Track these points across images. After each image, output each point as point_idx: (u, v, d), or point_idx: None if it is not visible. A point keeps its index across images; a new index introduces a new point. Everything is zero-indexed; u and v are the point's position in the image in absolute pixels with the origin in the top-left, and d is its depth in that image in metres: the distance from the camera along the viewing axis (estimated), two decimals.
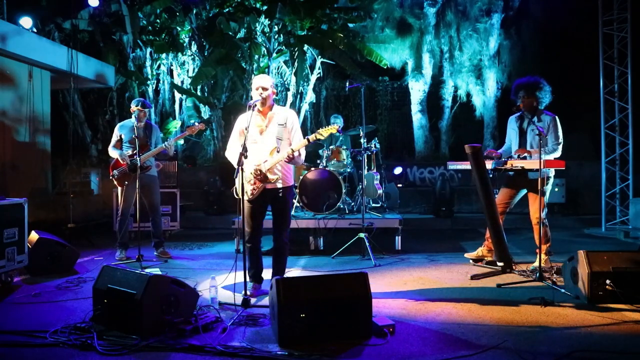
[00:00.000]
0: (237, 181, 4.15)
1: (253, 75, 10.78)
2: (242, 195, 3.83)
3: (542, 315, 3.64)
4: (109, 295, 3.36)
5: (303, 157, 4.14)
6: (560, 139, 4.99)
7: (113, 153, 5.73)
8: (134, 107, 5.72)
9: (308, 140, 3.96)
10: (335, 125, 4.07)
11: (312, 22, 10.97)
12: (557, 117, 5.04)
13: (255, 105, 4.00)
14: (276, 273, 4.15)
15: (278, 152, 4.03)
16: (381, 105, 13.85)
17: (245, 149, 3.79)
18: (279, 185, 4.09)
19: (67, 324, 3.37)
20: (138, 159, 5.45)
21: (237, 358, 2.89)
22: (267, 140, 4.07)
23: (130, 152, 5.60)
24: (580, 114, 10.81)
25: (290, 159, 3.95)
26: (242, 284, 3.85)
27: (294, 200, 6.85)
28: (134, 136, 5.49)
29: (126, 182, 5.60)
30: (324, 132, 3.96)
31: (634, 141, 8.12)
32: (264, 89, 4.02)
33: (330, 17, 11.18)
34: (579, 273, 3.98)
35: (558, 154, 4.98)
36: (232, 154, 4.18)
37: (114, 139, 5.78)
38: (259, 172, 4.01)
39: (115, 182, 5.71)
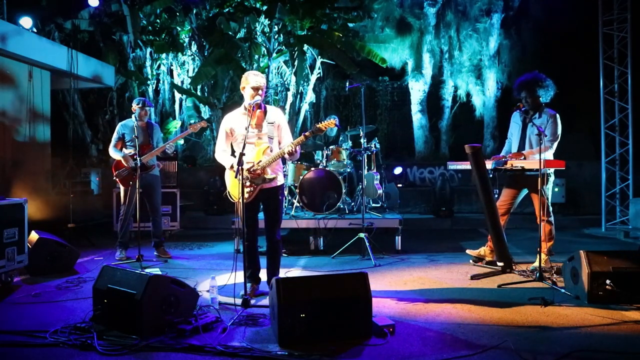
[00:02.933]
0: (228, 182, 4.16)
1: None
2: (242, 195, 3.82)
3: (542, 315, 3.64)
4: (109, 295, 3.36)
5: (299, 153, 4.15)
6: (557, 136, 4.99)
7: (114, 154, 5.72)
8: (135, 106, 5.74)
9: (305, 136, 3.96)
10: (332, 119, 4.05)
11: (312, 22, 10.97)
12: (557, 114, 5.05)
13: (253, 105, 4.00)
14: (272, 272, 4.15)
15: (271, 150, 4.06)
16: (381, 105, 13.85)
17: (243, 147, 3.81)
18: (274, 184, 4.11)
19: (67, 324, 3.37)
20: (138, 158, 5.46)
21: (237, 358, 2.89)
22: (260, 140, 4.09)
23: (132, 151, 5.60)
24: (580, 114, 10.82)
25: (291, 154, 3.94)
26: (241, 284, 3.85)
27: (294, 200, 6.86)
28: (134, 136, 5.50)
29: (130, 182, 5.61)
30: (322, 127, 3.97)
31: (634, 141, 8.12)
32: (263, 90, 4.04)
33: (330, 17, 11.18)
34: (579, 273, 3.98)
35: (552, 150, 4.99)
36: (223, 156, 4.17)
37: (115, 138, 5.78)
38: (255, 172, 4.01)
39: (120, 183, 5.72)
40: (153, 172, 5.78)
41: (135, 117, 5.68)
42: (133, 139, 5.58)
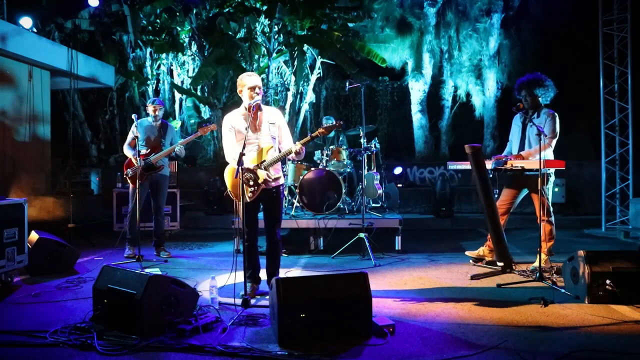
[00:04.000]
0: (228, 181, 4.15)
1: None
2: (242, 195, 3.82)
3: (542, 315, 3.64)
4: (109, 295, 3.36)
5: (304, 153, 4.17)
6: (555, 134, 4.99)
7: (127, 152, 5.79)
8: (148, 104, 5.91)
9: (312, 136, 3.99)
10: (339, 122, 4.09)
11: (311, 22, 10.97)
12: (556, 113, 5.06)
13: (253, 106, 4.01)
14: (272, 272, 4.16)
15: (275, 150, 4.07)
16: (381, 105, 13.85)
17: (243, 147, 3.82)
18: (276, 183, 4.12)
19: (67, 324, 3.37)
20: (139, 158, 5.50)
21: (237, 358, 2.89)
22: (262, 140, 4.09)
23: (143, 151, 5.67)
24: (580, 114, 10.82)
25: (298, 154, 3.97)
26: (241, 283, 3.85)
27: (294, 200, 6.86)
28: (134, 135, 5.56)
29: (139, 181, 5.65)
30: (327, 129, 4.00)
31: (634, 141, 8.12)
32: (260, 88, 4.05)
33: (330, 17, 11.18)
34: (579, 273, 3.98)
35: (551, 148, 5.00)
36: (233, 157, 4.14)
37: (129, 137, 5.84)
38: (260, 172, 4.01)
39: (129, 181, 5.76)
40: (162, 172, 5.83)
41: (150, 117, 5.82)
42: (146, 138, 5.70)
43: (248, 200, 4.01)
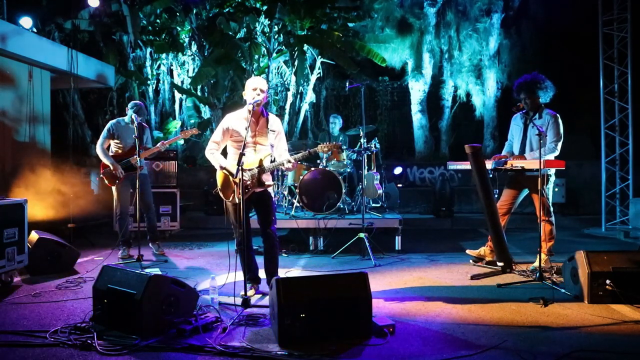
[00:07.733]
0: (219, 180, 4.16)
1: (253, 75, 10.79)
2: (243, 194, 3.82)
3: (542, 315, 3.64)
4: (109, 295, 3.36)
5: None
6: (560, 136, 4.98)
7: (102, 156, 5.70)
8: (129, 110, 5.80)
9: (310, 152, 4.09)
10: (338, 143, 4.21)
11: (312, 21, 10.97)
12: (558, 115, 5.05)
13: (253, 105, 4.02)
14: (271, 271, 4.16)
15: (273, 159, 4.13)
16: (381, 105, 13.84)
17: (243, 147, 3.85)
18: (265, 187, 4.15)
19: (67, 324, 3.38)
20: (138, 158, 5.50)
21: (237, 358, 2.89)
22: (260, 145, 4.12)
23: (121, 152, 5.71)
24: (580, 114, 10.82)
25: (291, 166, 4.04)
26: (241, 283, 3.85)
27: (294, 200, 6.86)
28: (134, 136, 5.51)
29: (117, 181, 5.66)
30: (325, 148, 4.10)
31: (634, 141, 8.12)
32: (262, 90, 4.07)
33: (330, 17, 11.18)
34: (579, 273, 3.98)
35: (556, 152, 4.98)
36: (214, 156, 4.18)
37: (104, 136, 5.76)
38: (254, 177, 4.02)
39: (107, 181, 5.77)
40: (142, 172, 5.81)
41: (129, 119, 5.72)
42: (122, 139, 5.73)
43: (237, 201, 4.00)
